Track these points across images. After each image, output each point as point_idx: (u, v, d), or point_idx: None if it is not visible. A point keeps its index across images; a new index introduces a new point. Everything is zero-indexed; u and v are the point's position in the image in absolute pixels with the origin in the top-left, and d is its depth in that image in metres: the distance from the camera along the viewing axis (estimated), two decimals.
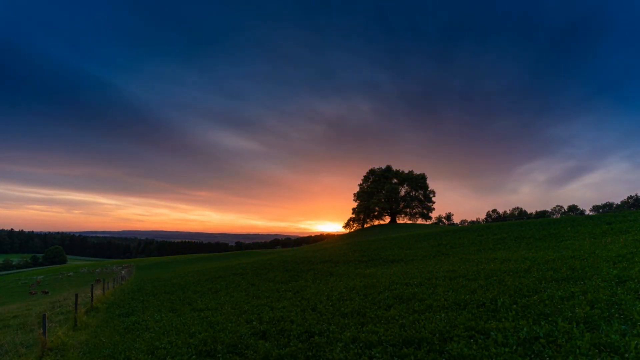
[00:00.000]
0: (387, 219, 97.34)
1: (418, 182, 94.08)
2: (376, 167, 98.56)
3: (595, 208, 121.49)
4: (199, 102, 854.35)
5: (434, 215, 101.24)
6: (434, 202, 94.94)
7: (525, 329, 5.66)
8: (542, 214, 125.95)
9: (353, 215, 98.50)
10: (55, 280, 51.87)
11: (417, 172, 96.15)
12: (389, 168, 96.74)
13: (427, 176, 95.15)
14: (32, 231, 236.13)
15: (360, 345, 6.24)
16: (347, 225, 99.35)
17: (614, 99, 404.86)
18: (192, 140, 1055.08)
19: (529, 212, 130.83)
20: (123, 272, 49.48)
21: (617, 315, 5.74)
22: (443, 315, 7.23)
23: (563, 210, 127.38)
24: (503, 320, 6.36)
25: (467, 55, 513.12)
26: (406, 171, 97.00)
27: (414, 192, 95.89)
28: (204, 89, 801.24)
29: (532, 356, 4.80)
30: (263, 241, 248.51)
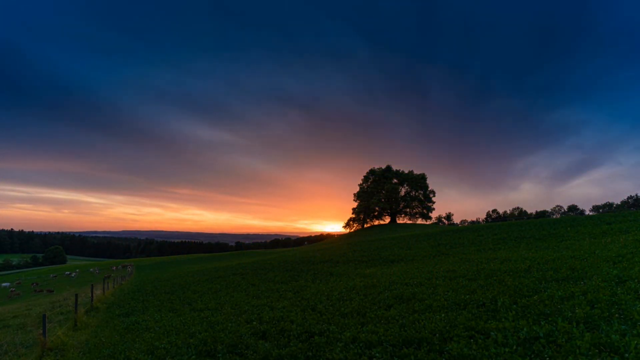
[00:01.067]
0: (387, 219, 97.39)
1: (418, 182, 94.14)
2: (376, 167, 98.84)
3: (595, 208, 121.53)
4: (147, 79, 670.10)
5: (434, 215, 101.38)
6: (434, 202, 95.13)
7: (525, 329, 5.66)
8: (542, 214, 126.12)
9: (353, 215, 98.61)
10: (59, 280, 51.89)
11: (416, 171, 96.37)
12: (389, 168, 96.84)
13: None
14: (32, 231, 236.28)
15: (360, 345, 6.24)
16: (347, 225, 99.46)
17: (634, 73, 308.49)
18: (151, 127, 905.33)
19: (529, 212, 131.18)
20: (129, 268, 49.39)
21: (617, 315, 5.74)
22: (443, 315, 7.23)
23: (563, 210, 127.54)
24: (503, 320, 6.35)
25: (456, 19, 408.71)
26: (406, 171, 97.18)
27: (414, 192, 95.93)
28: (148, 61, 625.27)
29: (532, 356, 4.80)
30: (263, 241, 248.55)
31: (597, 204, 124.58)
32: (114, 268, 58.81)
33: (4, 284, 51.14)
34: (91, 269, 60.13)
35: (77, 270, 63.81)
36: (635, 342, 4.53)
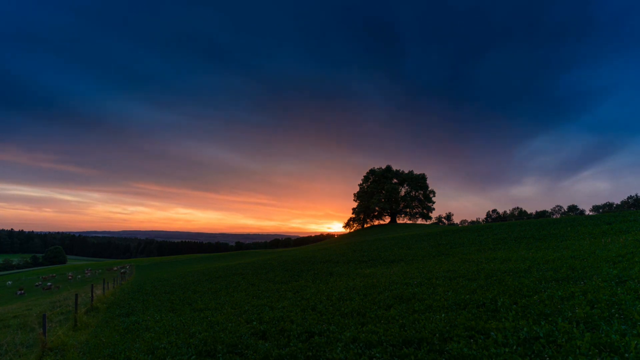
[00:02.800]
0: (387, 219, 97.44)
1: (418, 182, 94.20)
2: (376, 167, 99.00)
3: (595, 208, 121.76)
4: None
5: (434, 215, 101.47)
6: (434, 202, 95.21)
7: (525, 329, 5.66)
8: (542, 214, 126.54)
9: (353, 215, 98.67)
10: (61, 280, 51.96)
11: (416, 172, 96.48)
12: (389, 168, 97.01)
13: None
14: (32, 231, 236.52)
15: (360, 345, 6.24)
16: (347, 225, 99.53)
17: None
18: (82, 106, 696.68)
19: (529, 212, 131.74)
20: (123, 270, 49.82)
21: (617, 315, 5.74)
22: (443, 315, 7.23)
23: (563, 210, 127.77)
24: (503, 320, 6.36)
25: None
26: (406, 171, 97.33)
27: (414, 192, 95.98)
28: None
29: (532, 356, 4.80)
30: (263, 241, 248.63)
31: (598, 203, 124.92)
32: (115, 269, 58.79)
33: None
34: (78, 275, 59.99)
35: (90, 268, 64.18)
36: (635, 342, 4.53)
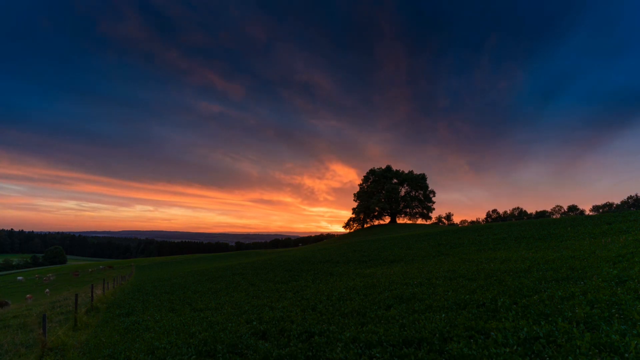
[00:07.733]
0: (387, 219, 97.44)
1: (418, 182, 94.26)
2: (376, 167, 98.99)
3: (595, 208, 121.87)
4: None
5: (434, 215, 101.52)
6: (434, 202, 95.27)
7: (525, 329, 5.66)
8: (541, 214, 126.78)
9: (353, 215, 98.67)
10: (60, 280, 51.94)
11: (416, 172, 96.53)
12: (389, 168, 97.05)
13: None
14: (32, 231, 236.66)
15: (360, 345, 6.24)
16: (347, 225, 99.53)
17: None
18: None
19: (529, 212, 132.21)
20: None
21: (617, 315, 5.73)
22: (443, 315, 7.23)
23: (563, 210, 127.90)
24: (503, 320, 6.35)
25: None
26: (406, 171, 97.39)
27: (414, 192, 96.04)
28: None
29: (532, 356, 4.80)
30: (263, 241, 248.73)
31: (597, 203, 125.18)
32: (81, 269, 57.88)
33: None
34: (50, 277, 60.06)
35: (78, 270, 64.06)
36: (635, 342, 4.53)
